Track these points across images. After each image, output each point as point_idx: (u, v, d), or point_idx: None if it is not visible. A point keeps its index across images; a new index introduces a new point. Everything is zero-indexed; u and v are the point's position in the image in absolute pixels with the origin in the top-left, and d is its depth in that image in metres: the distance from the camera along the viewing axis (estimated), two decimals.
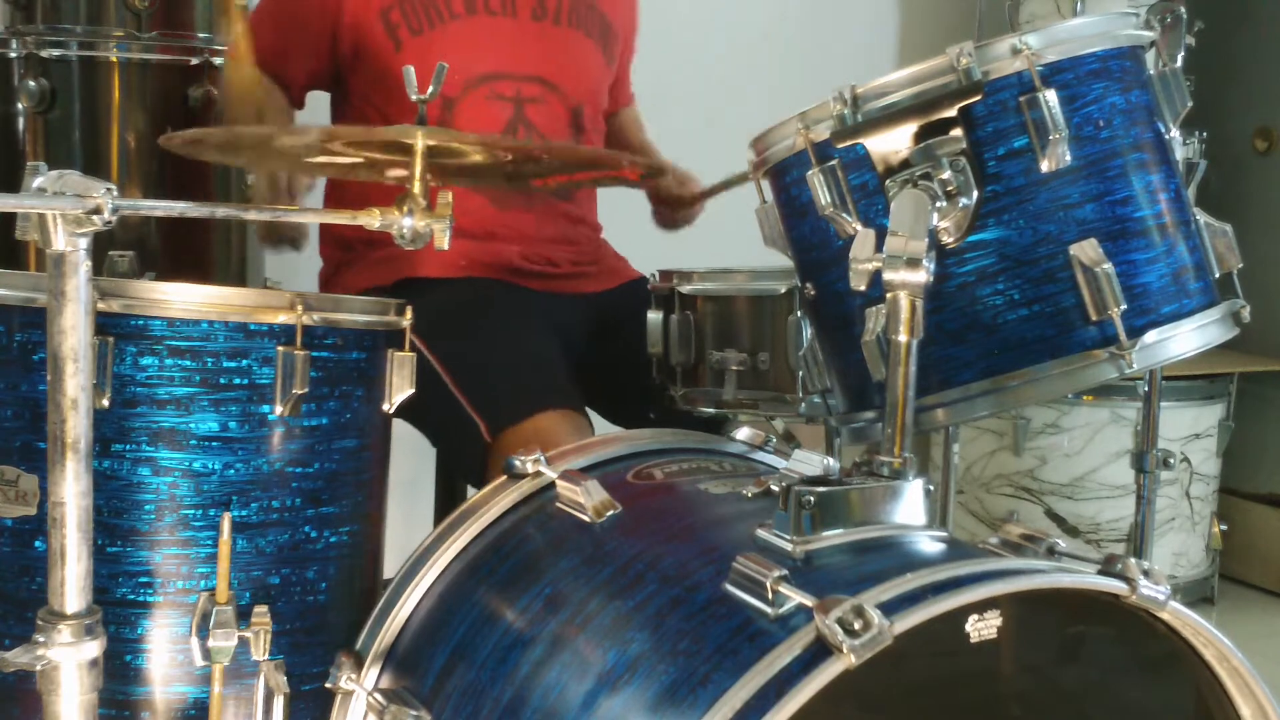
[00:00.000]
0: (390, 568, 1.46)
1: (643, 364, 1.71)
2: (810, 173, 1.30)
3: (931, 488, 1.18)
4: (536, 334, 1.86)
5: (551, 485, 1.37)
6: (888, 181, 1.26)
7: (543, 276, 1.99)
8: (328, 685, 1.35)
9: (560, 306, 1.97)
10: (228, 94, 2.04)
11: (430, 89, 1.16)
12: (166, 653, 1.33)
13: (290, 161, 1.43)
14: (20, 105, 2.20)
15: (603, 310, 2.02)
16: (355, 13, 1.92)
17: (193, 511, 1.33)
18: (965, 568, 1.04)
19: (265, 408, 1.35)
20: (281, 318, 1.35)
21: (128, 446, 1.31)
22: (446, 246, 1.20)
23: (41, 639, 1.04)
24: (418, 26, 1.92)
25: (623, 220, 2.14)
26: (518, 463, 1.41)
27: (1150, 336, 1.25)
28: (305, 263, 2.18)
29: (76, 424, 1.04)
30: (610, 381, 1.94)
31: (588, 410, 1.79)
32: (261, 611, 1.26)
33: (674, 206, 2.13)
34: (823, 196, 1.30)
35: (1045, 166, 1.24)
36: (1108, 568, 1.07)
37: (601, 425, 1.83)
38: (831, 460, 1.44)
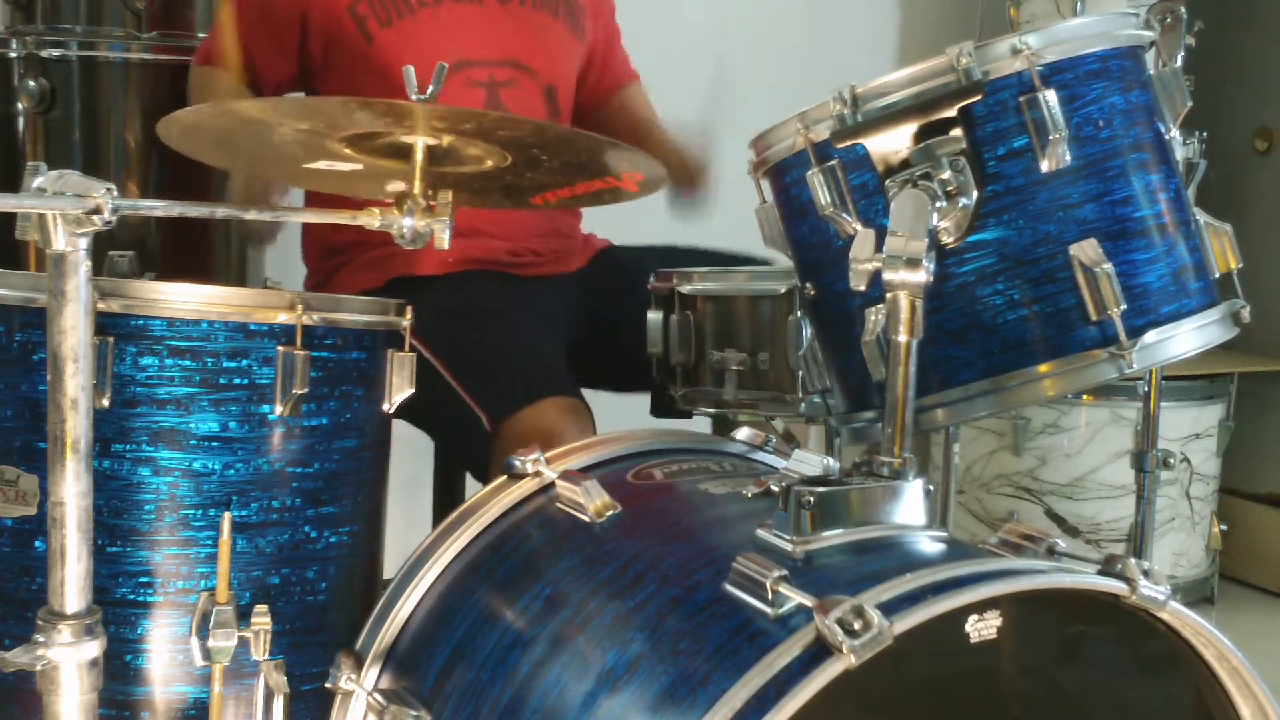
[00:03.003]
0: (390, 568, 1.46)
1: (640, 351, 1.71)
2: (810, 173, 1.30)
3: (931, 488, 1.18)
4: (529, 323, 1.88)
5: (551, 485, 1.37)
6: (888, 181, 1.26)
7: (532, 266, 2.02)
8: (328, 685, 1.35)
9: (546, 291, 1.99)
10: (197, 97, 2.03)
11: (430, 89, 1.15)
12: (166, 653, 1.33)
13: (289, 166, 1.43)
14: (20, 105, 2.20)
15: (582, 287, 2.05)
16: (323, 10, 1.92)
17: (193, 511, 1.33)
18: (965, 568, 1.04)
19: (265, 408, 1.35)
20: (281, 318, 1.35)
21: (128, 446, 1.31)
22: (447, 246, 1.20)
23: (41, 639, 1.04)
24: (385, 18, 1.92)
25: (623, 219, 2.14)
26: (518, 463, 1.41)
27: (1150, 336, 1.25)
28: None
29: (76, 424, 1.04)
30: (602, 357, 1.96)
31: (586, 392, 1.80)
32: (261, 611, 1.25)
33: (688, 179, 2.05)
34: (823, 196, 1.30)
35: (1045, 166, 1.24)
36: (1108, 568, 1.07)
37: (601, 410, 1.83)
38: (831, 460, 1.44)
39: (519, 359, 1.81)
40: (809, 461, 1.42)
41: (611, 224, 2.11)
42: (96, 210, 1.01)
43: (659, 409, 1.73)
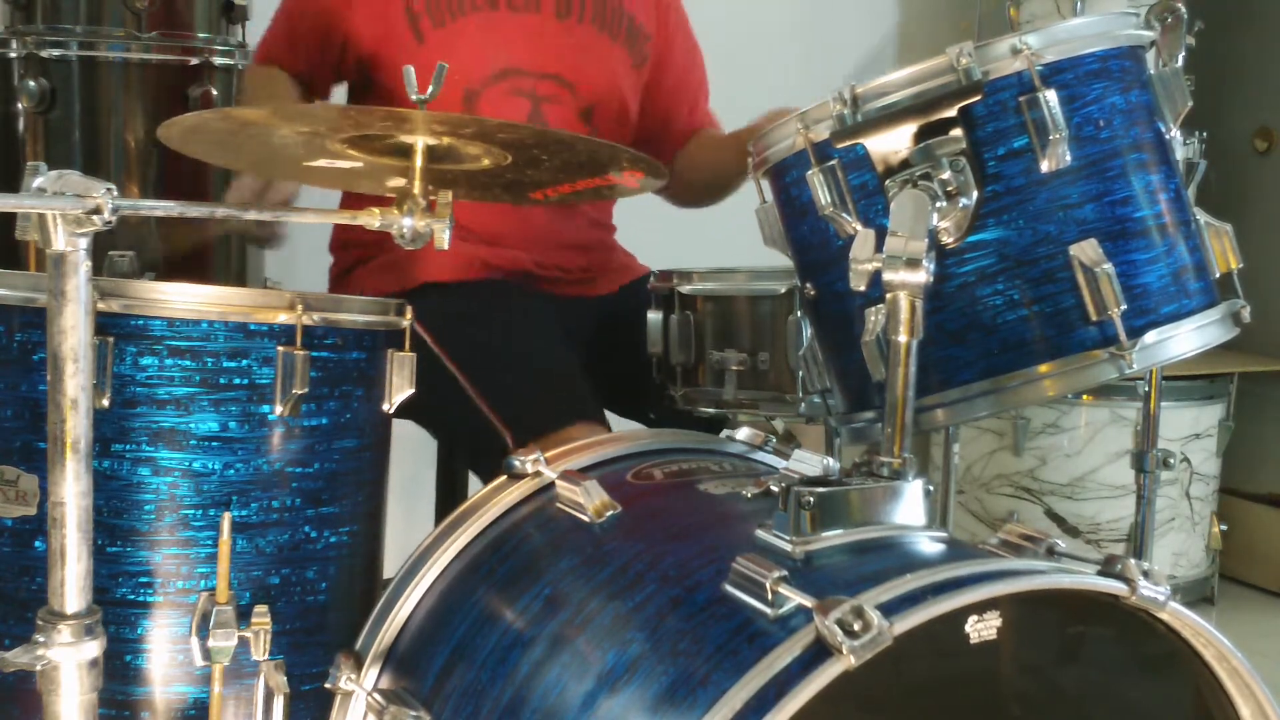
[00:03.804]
0: (390, 568, 1.46)
1: (643, 363, 1.71)
2: (810, 173, 1.30)
3: (931, 488, 1.18)
4: (555, 342, 1.86)
5: (551, 485, 1.37)
6: (888, 181, 1.26)
7: (554, 281, 2.00)
8: (327, 685, 1.35)
9: (569, 310, 1.97)
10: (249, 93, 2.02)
11: (430, 89, 1.16)
12: (166, 653, 1.33)
13: (290, 166, 1.43)
14: (20, 105, 2.20)
15: (608, 312, 2.02)
16: (374, 10, 1.91)
17: (193, 511, 1.33)
18: (965, 568, 1.04)
19: (265, 408, 1.35)
20: (281, 318, 1.35)
21: (128, 446, 1.31)
22: (446, 246, 1.20)
23: (41, 639, 1.04)
24: (440, 19, 1.91)
25: (623, 220, 2.14)
26: (517, 463, 1.41)
27: (1150, 337, 1.25)
28: (305, 263, 2.18)
29: (76, 424, 1.04)
30: (613, 380, 1.95)
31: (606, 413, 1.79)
32: (261, 611, 1.25)
33: None
34: (823, 196, 1.30)
35: (1045, 166, 1.24)
36: (1107, 568, 1.07)
37: (615, 426, 1.83)
38: (831, 460, 1.44)
39: (548, 381, 1.78)
40: (809, 461, 1.42)
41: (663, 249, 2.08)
42: (96, 210, 1.01)
43: (659, 409, 1.73)
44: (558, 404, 1.73)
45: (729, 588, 1.07)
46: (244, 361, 1.34)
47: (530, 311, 1.90)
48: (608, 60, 2.02)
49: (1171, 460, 2.19)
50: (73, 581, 1.05)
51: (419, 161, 1.22)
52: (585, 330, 1.97)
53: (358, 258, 2.01)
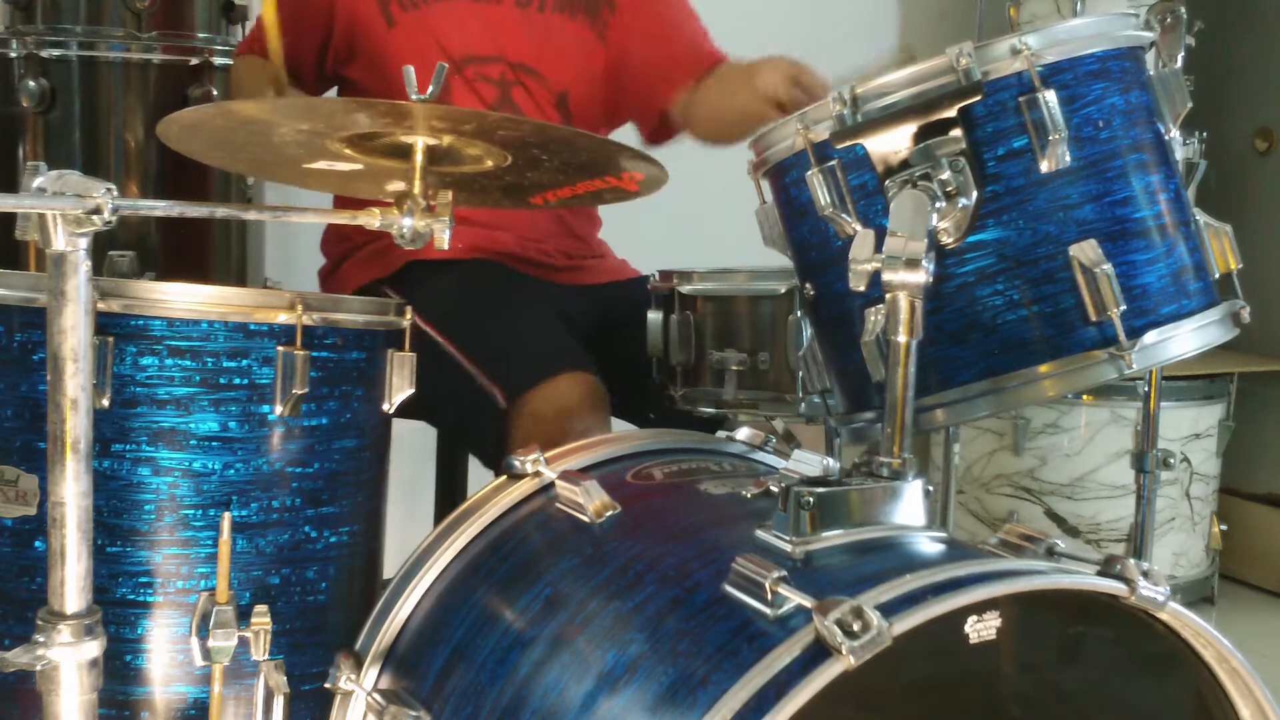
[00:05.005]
0: (390, 568, 1.46)
1: (643, 364, 1.71)
2: (810, 173, 1.30)
3: (931, 488, 1.18)
4: (543, 310, 1.87)
5: (551, 485, 1.38)
6: (887, 182, 1.26)
7: (540, 266, 2.00)
8: (327, 685, 1.35)
9: (561, 295, 1.97)
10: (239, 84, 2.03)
11: (430, 89, 1.16)
12: (166, 653, 1.33)
13: (290, 167, 1.43)
14: (20, 105, 2.20)
15: (603, 305, 2.02)
16: None
17: (193, 511, 1.33)
18: (964, 569, 1.04)
19: (265, 408, 1.35)
20: (281, 318, 1.35)
21: (128, 446, 1.32)
22: (446, 246, 1.20)
23: (41, 639, 1.04)
24: (407, 2, 1.93)
25: (623, 220, 2.14)
26: (517, 462, 1.41)
27: (1150, 337, 1.25)
28: (305, 263, 2.18)
29: (76, 424, 1.04)
30: (610, 380, 1.95)
31: None
32: (261, 611, 1.26)
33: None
34: (822, 197, 1.30)
35: (1045, 167, 1.24)
36: (1107, 568, 1.07)
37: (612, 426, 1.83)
38: (831, 460, 1.44)
39: (534, 336, 1.79)
40: (809, 461, 1.42)
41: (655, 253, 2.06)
42: (96, 210, 1.01)
43: (659, 409, 1.73)
44: (546, 356, 1.73)
45: (729, 588, 1.07)
46: (244, 361, 1.34)
47: (518, 286, 1.91)
48: (574, 44, 2.02)
49: (1171, 460, 2.19)
50: (73, 581, 1.05)
51: (419, 161, 1.22)
52: (581, 318, 1.98)
53: (345, 251, 2.02)
